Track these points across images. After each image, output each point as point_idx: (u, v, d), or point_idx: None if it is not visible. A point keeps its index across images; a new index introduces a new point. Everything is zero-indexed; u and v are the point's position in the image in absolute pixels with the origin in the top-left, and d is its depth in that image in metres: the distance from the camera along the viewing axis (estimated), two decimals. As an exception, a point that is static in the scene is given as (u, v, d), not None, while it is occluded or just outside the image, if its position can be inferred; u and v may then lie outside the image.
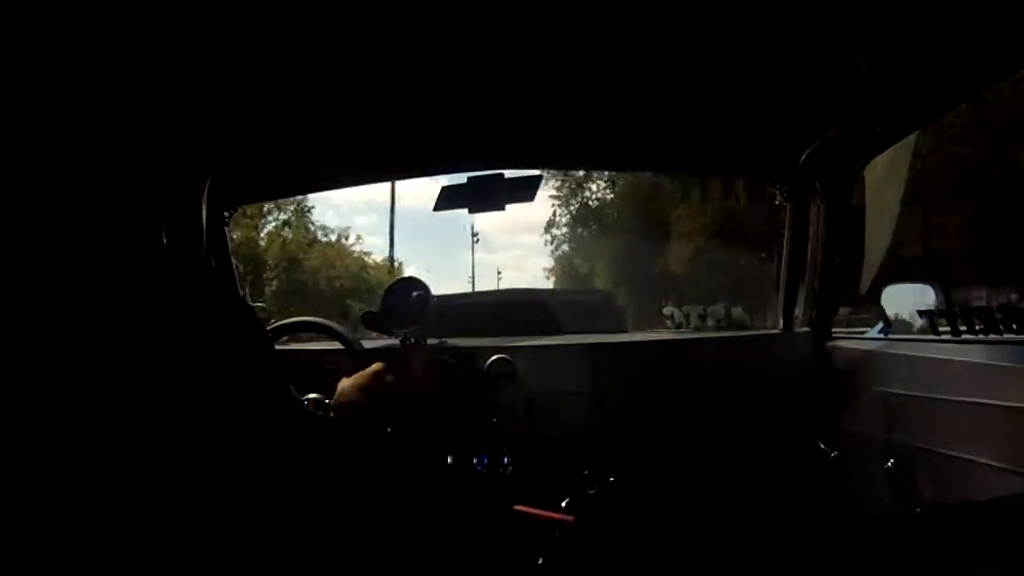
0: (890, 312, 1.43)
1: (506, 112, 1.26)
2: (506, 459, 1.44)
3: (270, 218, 12.36)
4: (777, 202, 1.57)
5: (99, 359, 0.42)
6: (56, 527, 0.40)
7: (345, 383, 0.89)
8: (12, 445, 0.39)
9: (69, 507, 0.40)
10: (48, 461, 0.40)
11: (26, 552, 0.39)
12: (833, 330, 1.54)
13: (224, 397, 0.46)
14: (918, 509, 1.15)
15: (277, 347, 1.42)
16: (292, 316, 1.43)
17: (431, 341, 1.52)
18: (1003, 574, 0.94)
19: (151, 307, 0.46)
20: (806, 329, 1.55)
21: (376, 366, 0.93)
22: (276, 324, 1.33)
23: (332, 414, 0.82)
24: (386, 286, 1.51)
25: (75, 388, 0.41)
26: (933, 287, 1.34)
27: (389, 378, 0.91)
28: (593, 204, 15.84)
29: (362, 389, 0.85)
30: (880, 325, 1.52)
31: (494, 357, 1.45)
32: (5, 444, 0.39)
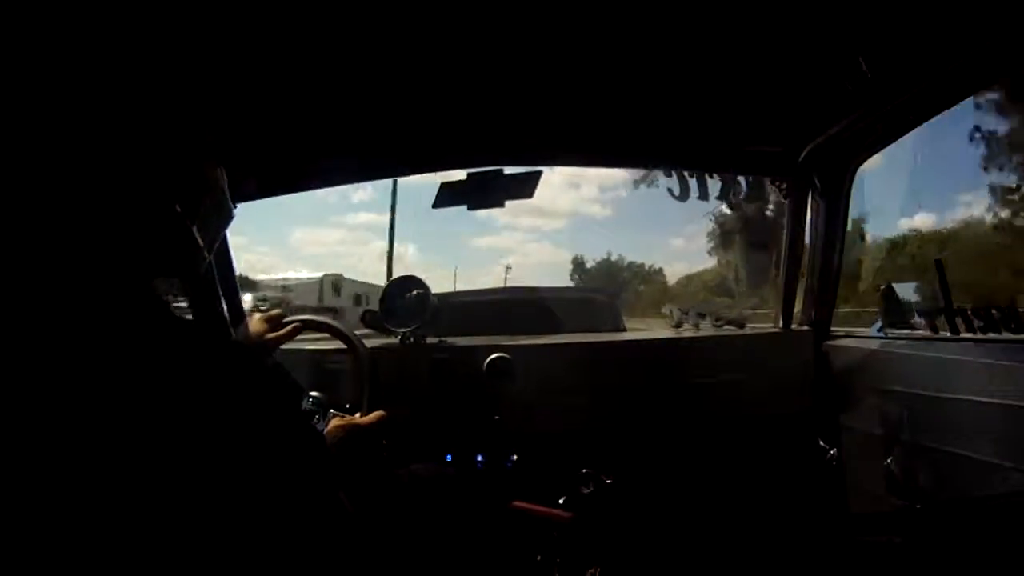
0: (890, 311, 1.44)
1: (506, 108, 1.26)
2: (505, 456, 1.44)
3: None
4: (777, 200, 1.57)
5: (88, 375, 0.41)
6: (51, 534, 0.39)
7: (335, 426, 0.88)
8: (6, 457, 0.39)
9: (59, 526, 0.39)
10: (42, 475, 0.39)
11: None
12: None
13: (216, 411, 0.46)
14: (917, 506, 1.16)
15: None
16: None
17: (430, 340, 1.52)
18: (1002, 571, 0.95)
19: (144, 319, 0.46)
20: (805, 327, 1.56)
21: (374, 415, 0.91)
22: None
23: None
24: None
25: (60, 405, 0.40)
26: (932, 286, 1.34)
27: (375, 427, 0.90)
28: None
29: (347, 440, 0.85)
30: (879, 323, 1.53)
31: (493, 355, 1.45)
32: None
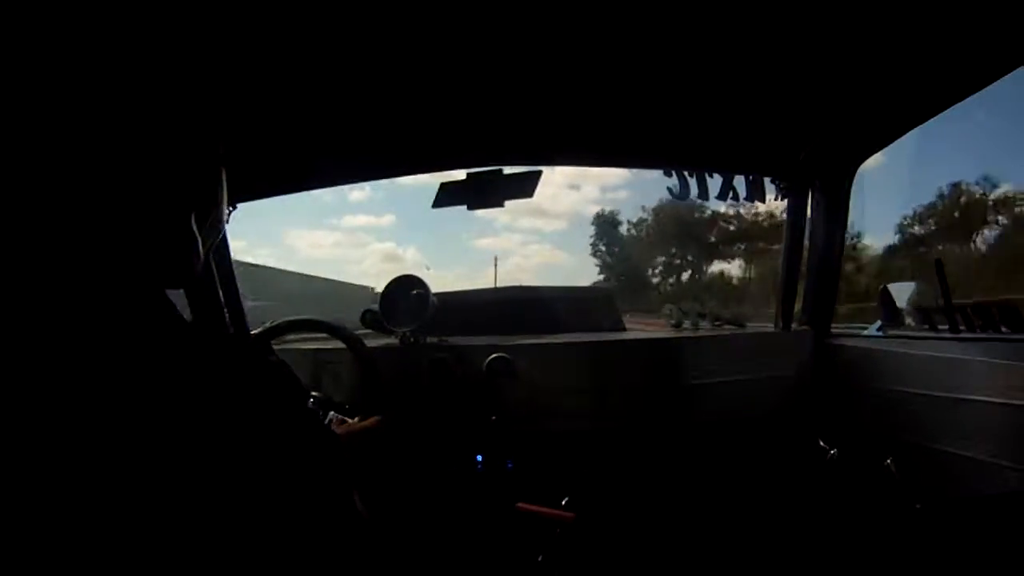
0: (890, 310, 1.44)
1: (506, 108, 1.26)
2: (506, 457, 1.44)
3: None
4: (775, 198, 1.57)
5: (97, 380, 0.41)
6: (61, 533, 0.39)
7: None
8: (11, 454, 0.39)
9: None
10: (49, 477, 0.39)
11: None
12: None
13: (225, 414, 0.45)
14: (917, 506, 1.16)
15: (277, 346, 1.42)
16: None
17: (430, 339, 1.52)
18: (1002, 570, 0.95)
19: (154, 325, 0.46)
20: (805, 327, 1.56)
21: (371, 421, 0.93)
22: (277, 322, 1.33)
23: None
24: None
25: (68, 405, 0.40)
26: (932, 286, 1.35)
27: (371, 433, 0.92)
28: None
29: (351, 444, 0.87)
30: (879, 323, 1.53)
31: (493, 355, 1.45)
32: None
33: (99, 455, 0.40)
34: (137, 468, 0.40)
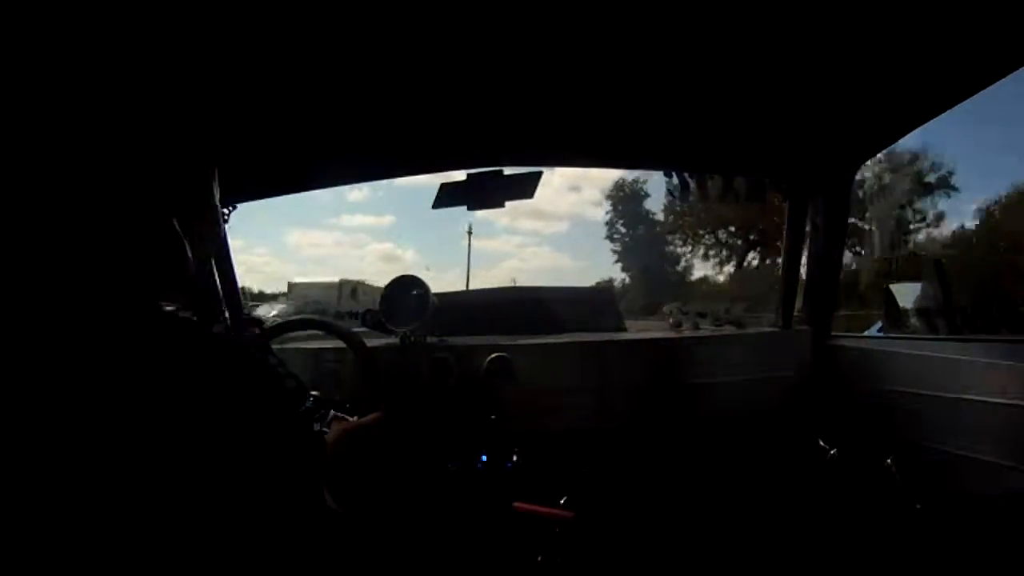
0: (891, 310, 1.44)
1: (506, 108, 1.26)
2: (504, 456, 1.44)
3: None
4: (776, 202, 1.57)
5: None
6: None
7: (335, 431, 0.91)
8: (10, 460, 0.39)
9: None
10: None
11: None
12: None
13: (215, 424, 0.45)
14: (917, 506, 1.16)
15: (277, 346, 1.43)
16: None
17: (430, 339, 1.52)
18: (1002, 570, 0.95)
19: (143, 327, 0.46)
20: (805, 327, 1.56)
21: (371, 417, 0.94)
22: (278, 322, 1.33)
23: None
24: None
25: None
26: (933, 286, 1.35)
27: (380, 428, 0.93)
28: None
29: (347, 444, 0.88)
30: (879, 323, 1.53)
31: (493, 355, 1.45)
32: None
33: (60, 461, 0.40)
34: (102, 469, 0.40)
